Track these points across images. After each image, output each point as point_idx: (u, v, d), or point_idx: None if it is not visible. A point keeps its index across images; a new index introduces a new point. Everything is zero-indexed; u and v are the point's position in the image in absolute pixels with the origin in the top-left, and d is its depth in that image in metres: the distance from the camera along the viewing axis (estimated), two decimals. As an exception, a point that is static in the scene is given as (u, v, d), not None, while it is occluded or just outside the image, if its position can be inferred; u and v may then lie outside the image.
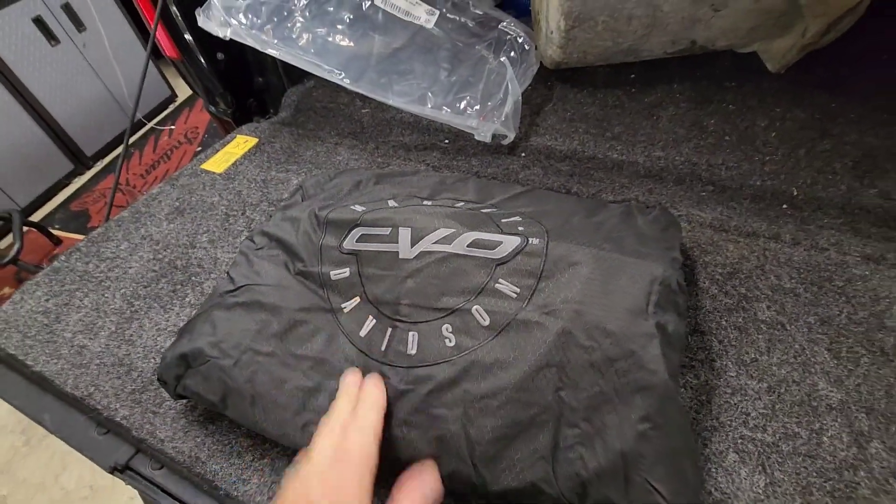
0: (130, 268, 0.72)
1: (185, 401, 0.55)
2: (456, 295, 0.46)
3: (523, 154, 0.84)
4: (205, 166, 0.90)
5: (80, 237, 2.46)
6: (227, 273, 0.56)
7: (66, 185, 2.70)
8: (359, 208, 0.57)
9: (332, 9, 0.87)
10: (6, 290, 2.18)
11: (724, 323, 0.54)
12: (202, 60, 0.96)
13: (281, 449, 0.51)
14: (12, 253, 2.02)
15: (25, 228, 2.13)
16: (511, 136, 0.83)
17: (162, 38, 0.93)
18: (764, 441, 0.46)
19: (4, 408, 1.60)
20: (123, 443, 0.55)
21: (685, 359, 0.52)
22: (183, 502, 0.50)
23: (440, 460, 0.42)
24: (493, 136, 0.82)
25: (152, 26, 0.86)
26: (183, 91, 3.29)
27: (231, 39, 0.84)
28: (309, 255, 0.54)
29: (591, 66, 0.95)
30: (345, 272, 0.52)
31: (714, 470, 0.45)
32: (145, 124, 3.01)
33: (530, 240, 0.48)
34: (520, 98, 0.82)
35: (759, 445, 0.45)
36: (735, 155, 0.76)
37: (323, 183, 0.69)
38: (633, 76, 0.95)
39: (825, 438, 0.46)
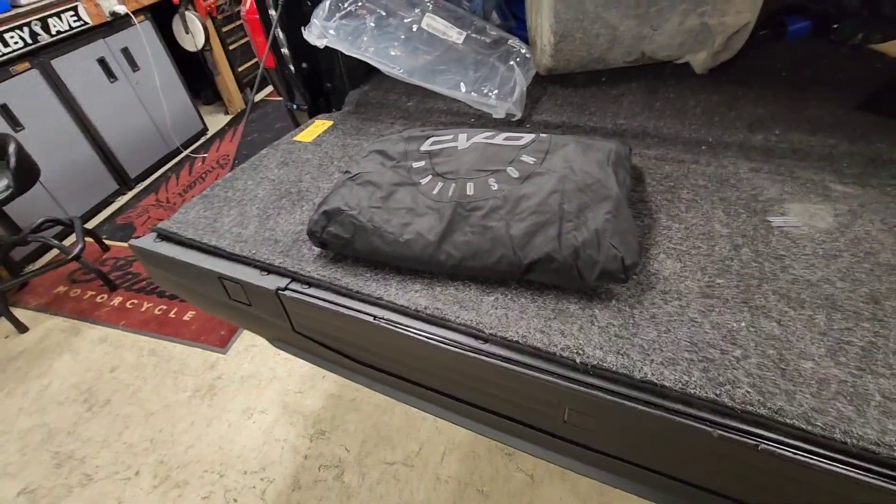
0: (258, 194, 1.04)
1: (321, 251, 0.86)
2: (496, 163, 0.79)
3: (528, 126, 1.19)
4: (296, 138, 1.24)
5: (126, 245, 2.74)
6: (345, 170, 0.89)
7: (112, 202, 3.01)
8: (429, 132, 0.91)
9: (391, 31, 1.25)
10: (61, 287, 2.45)
11: (658, 198, 0.88)
12: (292, 68, 1.32)
13: (387, 269, 0.81)
14: (76, 250, 2.34)
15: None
16: (518, 115, 1.18)
17: (265, 50, 1.30)
18: (680, 249, 0.78)
19: (68, 382, 1.87)
20: (281, 277, 0.84)
21: (635, 212, 0.85)
22: (329, 301, 0.79)
23: (492, 251, 0.73)
24: (506, 114, 1.18)
25: (267, 43, 1.22)
26: (213, 125, 3.69)
27: (312, 53, 1.20)
28: (398, 156, 0.87)
29: (573, 73, 1.33)
30: (421, 163, 0.85)
31: (651, 262, 0.76)
32: (182, 152, 3.37)
33: (540, 135, 0.82)
34: (524, 88, 1.19)
35: (677, 251, 0.77)
36: (672, 121, 1.12)
37: (395, 133, 1.03)
38: (603, 79, 1.33)
39: (716, 248, 0.78)
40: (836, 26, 1.33)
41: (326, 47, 1.20)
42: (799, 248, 0.76)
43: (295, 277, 0.84)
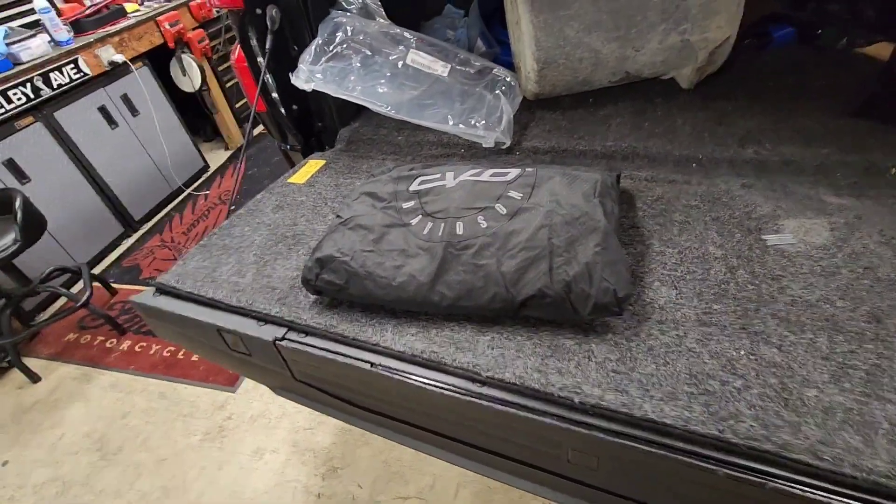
0: (255, 240, 1.05)
1: (317, 297, 0.86)
2: (484, 200, 0.80)
3: (518, 152, 1.20)
4: (290, 180, 1.25)
5: (133, 288, 2.78)
6: (336, 214, 0.90)
7: (118, 245, 3.05)
8: (418, 171, 0.92)
9: (377, 69, 1.27)
10: (71, 335, 2.47)
11: (650, 222, 0.87)
12: (282, 111, 1.34)
13: (382, 313, 0.81)
14: (84, 297, 2.36)
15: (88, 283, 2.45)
16: (508, 142, 1.19)
17: (255, 96, 1.32)
18: (675, 275, 0.77)
19: (80, 432, 1.88)
20: (279, 327, 0.85)
21: (627, 239, 0.84)
22: (326, 349, 0.79)
23: (486, 289, 0.73)
24: (496, 143, 1.19)
25: (257, 88, 1.24)
26: (214, 161, 3.75)
27: (302, 95, 1.22)
28: (388, 196, 0.88)
29: (559, 96, 1.34)
30: (411, 203, 0.86)
31: (646, 291, 0.76)
32: (184, 191, 3.42)
33: (526, 169, 0.83)
34: (511, 116, 1.20)
35: (672, 278, 0.77)
36: (661, 140, 1.12)
37: (387, 171, 1.04)
38: (590, 100, 1.34)
39: (711, 272, 0.77)
40: (819, 32, 1.33)
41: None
42: (796, 267, 0.75)
43: (292, 326, 0.84)
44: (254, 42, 1.24)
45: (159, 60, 3.28)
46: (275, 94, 1.32)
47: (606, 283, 0.68)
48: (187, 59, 3.35)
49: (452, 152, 1.25)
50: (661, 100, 1.28)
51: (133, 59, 3.01)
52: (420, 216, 0.83)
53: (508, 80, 1.29)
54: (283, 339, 0.83)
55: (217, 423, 1.91)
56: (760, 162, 1.00)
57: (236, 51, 1.31)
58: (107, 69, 2.87)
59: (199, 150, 3.63)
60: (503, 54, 1.52)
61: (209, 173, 3.67)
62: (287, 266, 0.96)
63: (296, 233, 1.05)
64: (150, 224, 3.23)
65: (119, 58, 2.91)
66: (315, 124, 1.44)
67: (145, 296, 0.97)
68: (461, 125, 1.19)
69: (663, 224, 0.87)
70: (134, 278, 2.80)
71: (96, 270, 2.87)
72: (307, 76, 1.19)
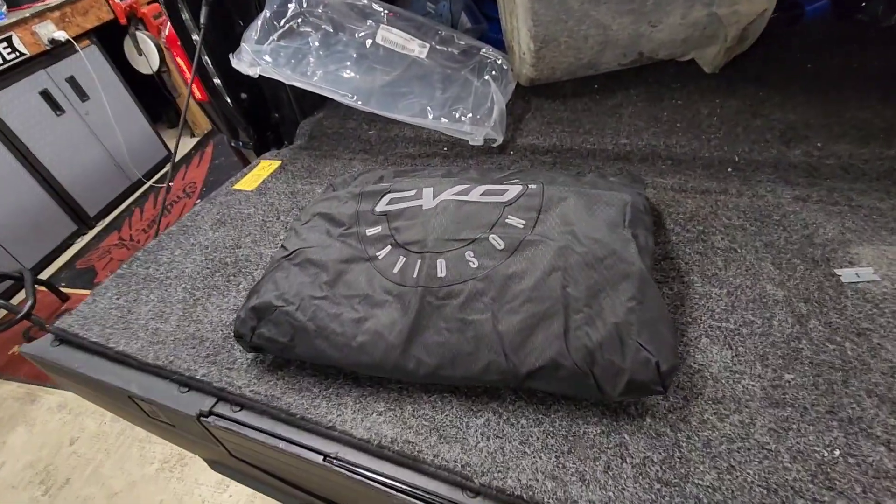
0: (186, 268, 0.84)
1: (255, 355, 0.66)
2: (474, 229, 0.60)
3: (512, 152, 0.99)
4: (237, 186, 1.03)
5: (87, 293, 2.53)
6: (281, 244, 0.69)
7: (71, 244, 2.78)
8: (387, 184, 0.71)
9: (340, 49, 1.04)
10: (16, 348, 2.23)
11: (687, 250, 0.68)
12: (228, 100, 1.11)
13: (342, 379, 0.61)
14: (26, 308, 2.11)
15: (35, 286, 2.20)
16: (500, 139, 0.98)
17: (194, 83, 1.09)
18: (727, 328, 0.58)
19: (22, 462, 1.64)
20: (205, 396, 0.64)
21: (660, 276, 0.65)
22: (264, 431, 0.59)
23: (477, 355, 0.53)
24: (485, 140, 0.98)
25: (190, 74, 1.01)
26: (178, 151, 3.45)
27: (252, 80, 1.00)
28: (348, 220, 0.67)
29: (559, 81, 1.13)
30: (377, 229, 0.65)
31: (692, 351, 0.57)
32: (144, 183, 3.14)
33: (529, 185, 0.62)
34: (504, 107, 0.99)
35: (724, 331, 0.58)
36: (686, 137, 0.92)
37: (349, 181, 0.83)
38: (596, 86, 1.13)
39: (774, 322, 0.58)
40: (864, 4, 1.14)
41: (265, 74, 0.99)
42: (886, 316, 0.57)
43: (221, 396, 0.64)
44: (186, 14, 1.00)
45: (111, 39, 2.96)
46: (217, 81, 1.08)
47: (645, 352, 0.49)
48: (143, 36, 3.03)
49: (433, 151, 1.04)
50: (679, 85, 1.07)
51: (78, 37, 2.69)
52: (389, 247, 0.63)
53: (499, 62, 1.07)
54: (209, 413, 0.62)
55: (177, 449, 1.71)
56: (812, 166, 0.81)
57: (167, 25, 1.07)
58: (47, 48, 2.55)
59: (161, 138, 3.33)
60: (492, 31, 1.30)
61: (171, 163, 3.38)
62: (223, 306, 0.75)
63: (238, 258, 0.84)
64: (107, 220, 2.96)
65: (61, 35, 2.59)
66: (271, 116, 1.21)
67: (40, 346, 0.76)
68: (443, 119, 0.98)
69: (703, 253, 0.68)
70: (88, 282, 2.55)
71: (46, 273, 2.61)
72: (251, 59, 0.96)
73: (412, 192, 0.66)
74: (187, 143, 3.58)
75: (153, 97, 3.32)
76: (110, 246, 2.74)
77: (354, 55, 1.04)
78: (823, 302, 0.59)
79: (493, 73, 1.05)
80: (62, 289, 2.46)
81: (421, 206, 0.64)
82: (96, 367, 0.71)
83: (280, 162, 1.10)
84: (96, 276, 2.58)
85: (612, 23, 0.99)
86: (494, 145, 0.99)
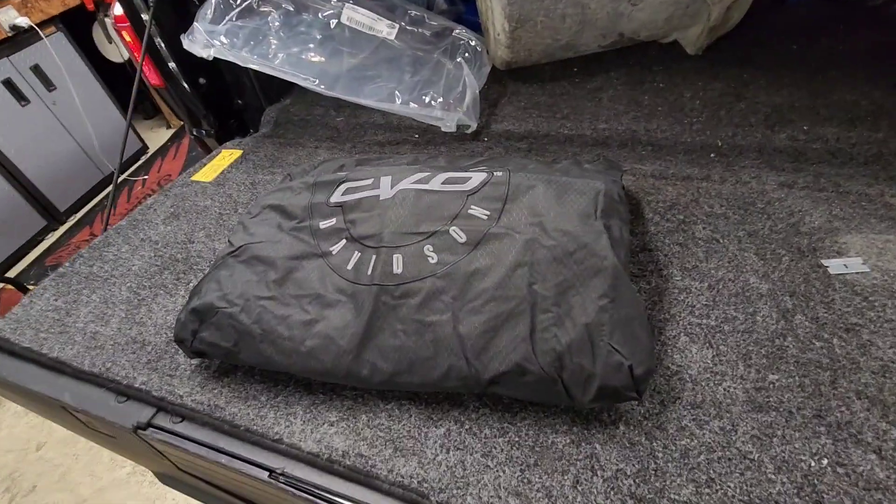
0: (133, 265, 0.78)
1: (199, 360, 0.60)
2: (434, 221, 0.54)
3: (486, 139, 0.94)
4: (195, 178, 0.97)
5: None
6: (228, 240, 0.63)
7: (41, 241, 2.68)
8: (343, 173, 0.65)
9: (303, 29, 0.98)
10: (-19, 349, 2.14)
11: (667, 241, 0.64)
12: (185, 86, 1.04)
13: (293, 386, 0.56)
14: (-12, 308, 2.01)
15: (1, 285, 2.12)
16: (473, 125, 0.93)
17: (147, 68, 1.02)
18: (708, 325, 0.54)
19: None
20: (144, 405, 0.59)
21: (637, 269, 0.60)
22: (206, 445, 0.54)
23: (436, 360, 0.48)
24: (458, 127, 0.92)
25: (139, 58, 0.94)
26: (154, 142, 3.35)
27: (212, 64, 0.93)
28: (301, 212, 0.61)
29: (537, 64, 1.07)
30: (332, 221, 0.60)
31: (669, 351, 0.52)
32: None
33: (495, 173, 0.57)
34: (477, 91, 0.93)
35: (704, 329, 0.54)
36: (667, 121, 0.88)
37: (308, 170, 0.77)
38: (575, 69, 1.08)
39: (758, 318, 0.54)
40: (850, -17, 1.10)
41: (222, 57, 0.92)
42: (876, 311, 0.53)
43: (161, 406, 0.58)
44: (134, -8, 0.92)
45: (79, 25, 2.84)
46: (172, 65, 1.01)
47: (617, 355, 0.44)
48: (111, 23, 2.91)
49: (403, 138, 0.98)
50: (661, 68, 1.02)
51: (43, 24, 2.57)
52: (344, 241, 0.58)
53: (473, 44, 1.02)
54: (147, 426, 0.57)
55: (149, 452, 1.65)
56: (798, 151, 0.77)
57: (116, 5, 1.00)
58: (8, 35, 2.44)
59: (136, 130, 3.22)
60: (468, 13, 1.24)
61: (148, 155, 3.27)
62: (169, 307, 0.69)
63: (189, 254, 0.78)
64: (79, 215, 2.86)
65: (23, 21, 2.47)
66: (233, 102, 1.15)
67: (-31, 352, 0.69)
68: (412, 104, 0.92)
69: (684, 244, 0.63)
70: (58, 279, 2.46)
71: (15, 270, 2.51)
72: (205, 39, 0.89)
73: (369, 182, 0.61)
74: (163, 135, 3.46)
75: (126, 87, 3.19)
76: (81, 242, 2.65)
77: (318, 36, 0.98)
78: (810, 295, 0.55)
79: (467, 55, 0.99)
80: (31, 287, 2.37)
81: (378, 196, 0.58)
82: (28, 374, 0.65)
83: (242, 151, 1.03)
84: (67, 274, 2.49)
85: (590, 2, 0.94)
86: (468, 132, 0.94)
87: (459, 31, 1.02)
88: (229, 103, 1.14)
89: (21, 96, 2.53)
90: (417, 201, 0.56)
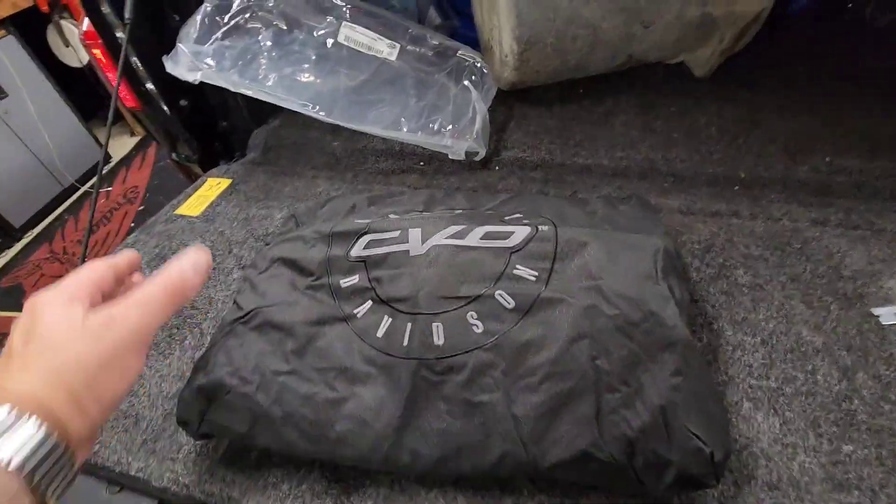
0: (117, 319, 0.69)
1: (206, 441, 0.53)
2: (476, 282, 0.48)
3: (497, 168, 0.89)
4: (179, 211, 0.88)
5: (13, 315, 2.25)
6: (234, 301, 0.56)
7: (-7, 260, 2.49)
8: (362, 221, 0.59)
9: (297, 48, 0.91)
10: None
11: (711, 290, 0.60)
12: (165, 108, 0.95)
13: (318, 472, 0.50)
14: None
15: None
16: (483, 152, 0.88)
17: (121, 89, 0.92)
18: (769, 387, 0.51)
19: None
20: (142, 497, 0.51)
21: (688, 324, 0.57)
22: (221, 544, 0.47)
23: (488, 445, 0.43)
24: (466, 154, 0.87)
25: (115, 79, 0.84)
26: (117, 151, 3.16)
27: (194, 85, 0.85)
28: (317, 268, 0.55)
29: (543, 85, 1.03)
30: (354, 279, 0.53)
31: (735, 420, 0.49)
32: (77, 188, 2.85)
33: (540, 227, 0.52)
34: (486, 116, 0.88)
35: (766, 392, 0.50)
36: (685, 149, 0.85)
37: (315, 209, 0.71)
38: (581, 91, 1.04)
39: (819, 377, 0.51)
40: (849, 4, 1.10)
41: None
42: (938, 366, 0.51)
43: (164, 498, 0.51)
44: (106, 7, 0.83)
45: (32, 28, 2.64)
46: (150, 86, 0.92)
47: (695, 440, 0.40)
48: (68, 25, 2.72)
49: (408, 166, 0.92)
50: (670, 90, 1.00)
51: (-10, 26, 2.38)
52: (370, 303, 0.51)
53: (479, 65, 0.96)
54: (147, 523, 0.49)
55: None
56: (823, 184, 0.75)
57: (84, 21, 0.90)
58: (-48, 39, 2.25)
59: (96, 138, 3.03)
60: (463, 27, 1.19)
61: (111, 165, 3.08)
62: (164, 372, 0.61)
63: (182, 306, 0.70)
64: (36, 231, 2.67)
65: (-31, 24, 2.28)
66: (218, 124, 1.06)
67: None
68: (420, 132, 0.86)
69: (729, 292, 0.60)
70: (15, 301, 2.28)
71: (-36, 295, 2.32)
72: (190, 61, 0.81)
73: (395, 234, 0.55)
74: (127, 143, 3.27)
75: (85, 93, 3.00)
76: (40, 260, 2.47)
77: (314, 56, 0.91)
78: (867, 350, 0.53)
79: (473, 77, 0.94)
80: (-16, 312, 2.19)
81: (407, 251, 0.52)
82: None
83: (231, 180, 0.95)
84: (24, 295, 2.31)
85: (602, 22, 0.90)
86: (477, 159, 0.89)
87: (463, 52, 0.97)
88: (213, 125, 1.05)
89: (-32, 105, 2.34)
90: (454, 259, 0.51)
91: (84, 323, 0.28)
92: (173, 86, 0.93)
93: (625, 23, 0.90)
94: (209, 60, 0.83)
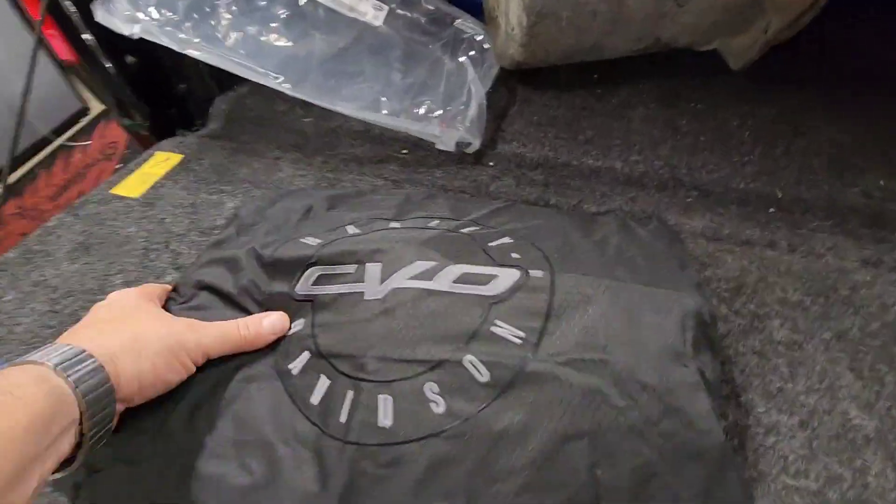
0: (19, 324, 0.57)
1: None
2: (440, 342, 0.36)
3: (491, 163, 0.76)
4: (116, 190, 0.75)
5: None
6: None
7: (-43, 212, 2.34)
8: (313, 241, 0.46)
9: (263, 3, 0.76)
10: None
11: (741, 349, 0.49)
12: (107, 64, 0.81)
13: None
14: None
15: None
16: (476, 144, 0.75)
17: (55, 37, 0.78)
18: (809, 489, 0.40)
19: None
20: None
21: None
22: None
23: None
24: (457, 144, 0.74)
25: (37, 23, 0.70)
26: (96, 103, 2.98)
27: (142, 39, 0.70)
28: (251, 305, 0.42)
29: (552, 67, 0.89)
30: (298, 324, 0.41)
31: (763, 530, 0.38)
32: (51, 141, 2.68)
33: (531, 272, 0.40)
34: (484, 101, 0.75)
35: (805, 496, 0.39)
36: (713, 156, 0.72)
37: (264, 209, 0.58)
38: (596, 76, 0.91)
39: (870, 478, 0.40)
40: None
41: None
42: None
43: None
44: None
45: (3, -40, 2.42)
46: (87, 36, 0.77)
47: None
48: (43, -40, 2.50)
49: (386, 154, 0.79)
50: (698, 83, 0.87)
51: (-46, -45, 2.16)
52: (307, 355, 0.39)
53: (479, 38, 0.82)
54: None
55: None
56: (875, 213, 0.63)
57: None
58: None
59: (75, 88, 2.83)
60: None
61: (89, 118, 2.90)
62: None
63: (98, 312, 0.58)
64: (5, 182, 2.51)
65: (-72, -50, 2.06)
66: (174, 86, 0.91)
67: None
68: (403, 115, 0.72)
69: (761, 352, 0.49)
70: (-21, 259, 2.16)
71: (-76, 248, 2.19)
72: (128, 10, 0.67)
73: (351, 269, 0.42)
74: (108, 94, 3.08)
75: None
76: (8, 216, 2.32)
77: (283, 14, 0.76)
78: (932, 442, 0.42)
79: (472, 53, 0.80)
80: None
81: (362, 293, 0.40)
82: None
83: (182, 156, 0.82)
84: (-11, 253, 2.19)
85: (628, -3, 0.76)
86: (468, 151, 0.76)
87: (462, 21, 0.82)
88: (169, 88, 0.91)
89: (-71, 42, 2.15)
90: (417, 307, 0.38)
91: (162, 314, 0.39)
92: (117, 37, 0.78)
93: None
94: (152, 11, 0.69)
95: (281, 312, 0.40)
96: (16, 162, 2.52)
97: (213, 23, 0.74)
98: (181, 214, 0.70)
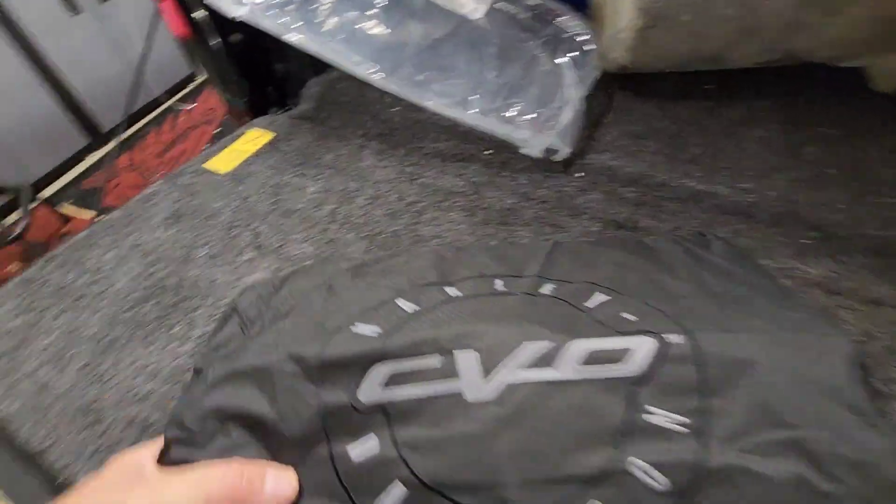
0: (116, 282, 0.62)
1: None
2: (591, 447, 0.28)
3: (580, 174, 0.71)
4: (208, 165, 0.79)
5: (92, 214, 2.33)
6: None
7: (81, 160, 2.63)
8: (368, 329, 0.35)
9: (364, -11, 0.75)
10: (13, 265, 2.12)
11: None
12: (215, 41, 0.84)
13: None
14: (18, 230, 1.96)
15: (34, 205, 2.07)
16: (566, 152, 0.70)
17: (170, 12, 0.82)
18: None
19: None
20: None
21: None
22: None
23: None
24: (545, 153, 0.70)
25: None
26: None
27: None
28: (300, 427, 0.31)
29: (660, 73, 0.82)
30: (372, 444, 0.30)
31: None
32: (163, 102, 2.92)
33: (665, 336, 0.32)
34: (581, 106, 0.70)
35: None
36: (842, 193, 0.63)
37: (268, 298, 0.47)
38: (707, 87, 0.82)
39: None
40: None
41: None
42: None
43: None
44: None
45: (140, -68, 2.64)
46: (201, 13, 0.81)
47: None
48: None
49: (470, 153, 0.77)
50: (834, 103, 0.76)
51: (100, -74, 2.39)
52: (402, 490, 0.28)
53: (582, 39, 0.76)
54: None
55: None
56: None
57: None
58: (62, -64, 2.28)
59: (188, 54, 3.06)
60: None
61: (197, 82, 3.13)
62: (139, 364, 0.53)
63: (182, 281, 0.61)
64: (122, 137, 2.78)
65: (79, -78, 2.29)
66: (273, 66, 0.94)
67: None
68: (493, 116, 0.69)
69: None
70: (94, 203, 2.40)
71: (52, 189, 2.47)
72: (238, -8, 0.69)
73: (434, 362, 0.31)
74: (215, 62, 3.30)
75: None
76: (120, 169, 2.57)
77: (382, 2, 0.75)
78: None
79: (572, 53, 0.75)
80: (67, 208, 2.33)
81: (460, 394, 0.30)
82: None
83: (273, 134, 0.84)
84: (103, 199, 2.43)
85: (761, 4, 0.67)
86: (556, 159, 0.71)
87: (565, 19, 0.77)
88: (269, 67, 0.94)
89: (72, 6, 2.40)
90: (546, 407, 0.30)
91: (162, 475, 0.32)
92: (226, 17, 0.81)
93: (798, 8, 0.66)
94: (260, -6, 0.70)
95: (290, 469, 0.30)
96: (131, 119, 2.77)
97: (314, 8, 0.74)
98: (265, 194, 0.72)
